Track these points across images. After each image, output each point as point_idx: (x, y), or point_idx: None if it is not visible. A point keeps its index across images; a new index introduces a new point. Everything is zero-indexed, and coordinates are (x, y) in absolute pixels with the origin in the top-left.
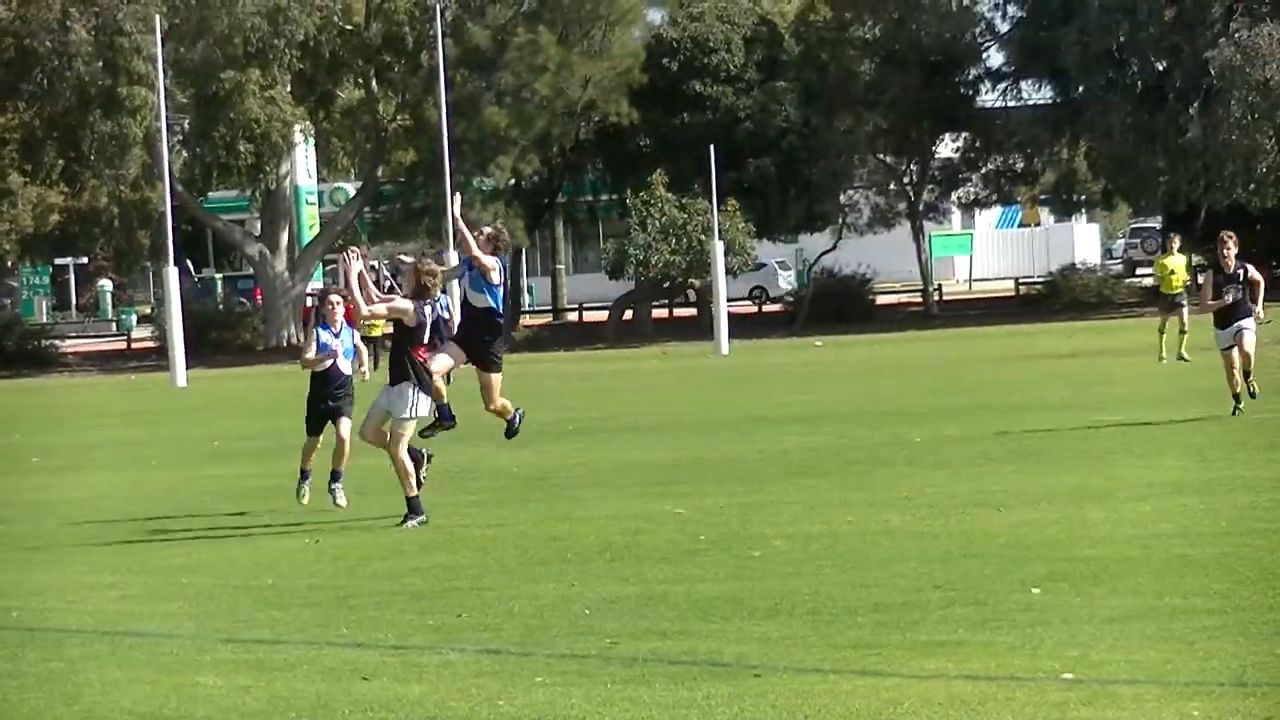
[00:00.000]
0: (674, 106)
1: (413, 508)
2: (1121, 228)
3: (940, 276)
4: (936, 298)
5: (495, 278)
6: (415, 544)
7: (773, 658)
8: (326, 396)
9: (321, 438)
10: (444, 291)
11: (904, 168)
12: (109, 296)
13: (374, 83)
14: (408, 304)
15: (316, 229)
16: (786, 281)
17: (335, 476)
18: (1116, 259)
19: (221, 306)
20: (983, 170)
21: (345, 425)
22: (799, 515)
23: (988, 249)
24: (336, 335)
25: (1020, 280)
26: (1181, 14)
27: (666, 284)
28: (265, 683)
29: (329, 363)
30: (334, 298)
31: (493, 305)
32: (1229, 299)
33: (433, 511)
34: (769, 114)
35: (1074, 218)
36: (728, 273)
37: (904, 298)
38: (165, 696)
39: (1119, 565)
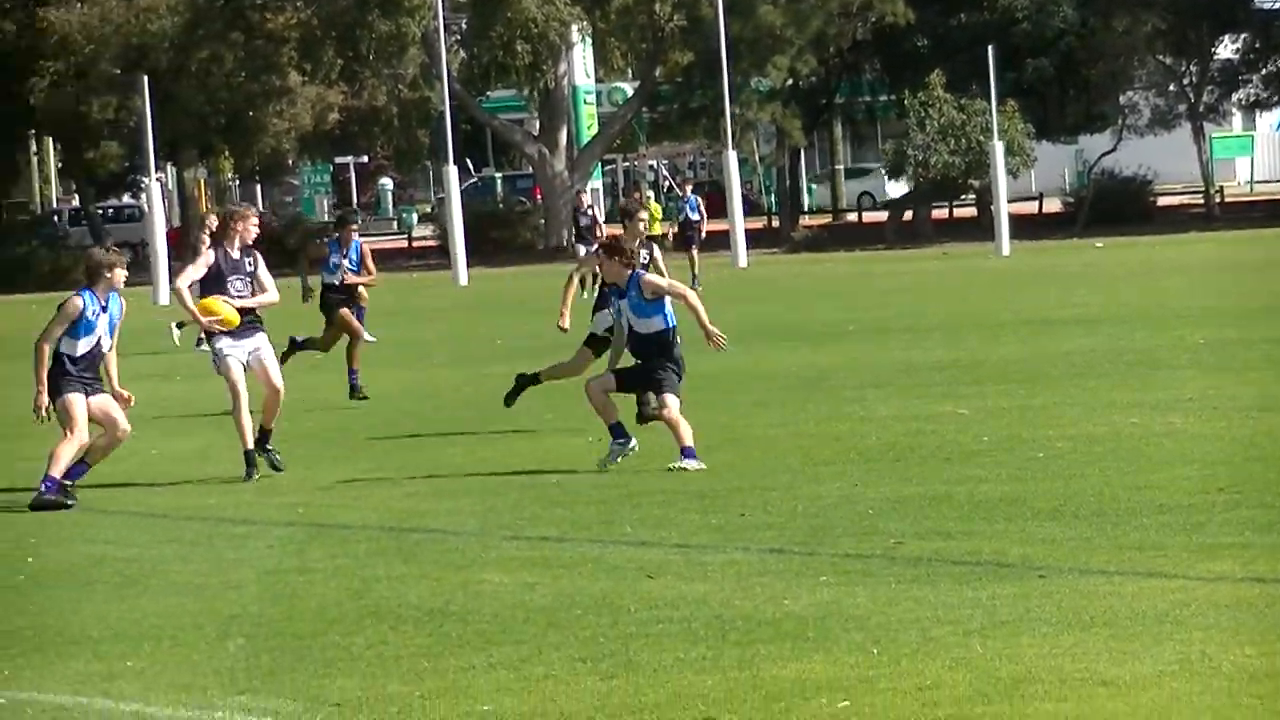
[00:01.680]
0: (951, 6)
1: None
2: None
3: (1221, 178)
4: (1217, 200)
5: None
6: (700, 444)
7: (1057, 559)
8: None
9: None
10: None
11: (1183, 69)
12: (389, 195)
13: None
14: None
15: (595, 129)
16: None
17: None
18: None
19: (501, 205)
20: (1263, 71)
21: None
22: (1081, 416)
23: (1269, 151)
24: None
25: None
26: None
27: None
28: (550, 580)
29: None
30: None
31: None
32: None
33: (715, 412)
34: (1046, 14)
35: None
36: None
37: (1184, 199)
38: (451, 593)
39: None
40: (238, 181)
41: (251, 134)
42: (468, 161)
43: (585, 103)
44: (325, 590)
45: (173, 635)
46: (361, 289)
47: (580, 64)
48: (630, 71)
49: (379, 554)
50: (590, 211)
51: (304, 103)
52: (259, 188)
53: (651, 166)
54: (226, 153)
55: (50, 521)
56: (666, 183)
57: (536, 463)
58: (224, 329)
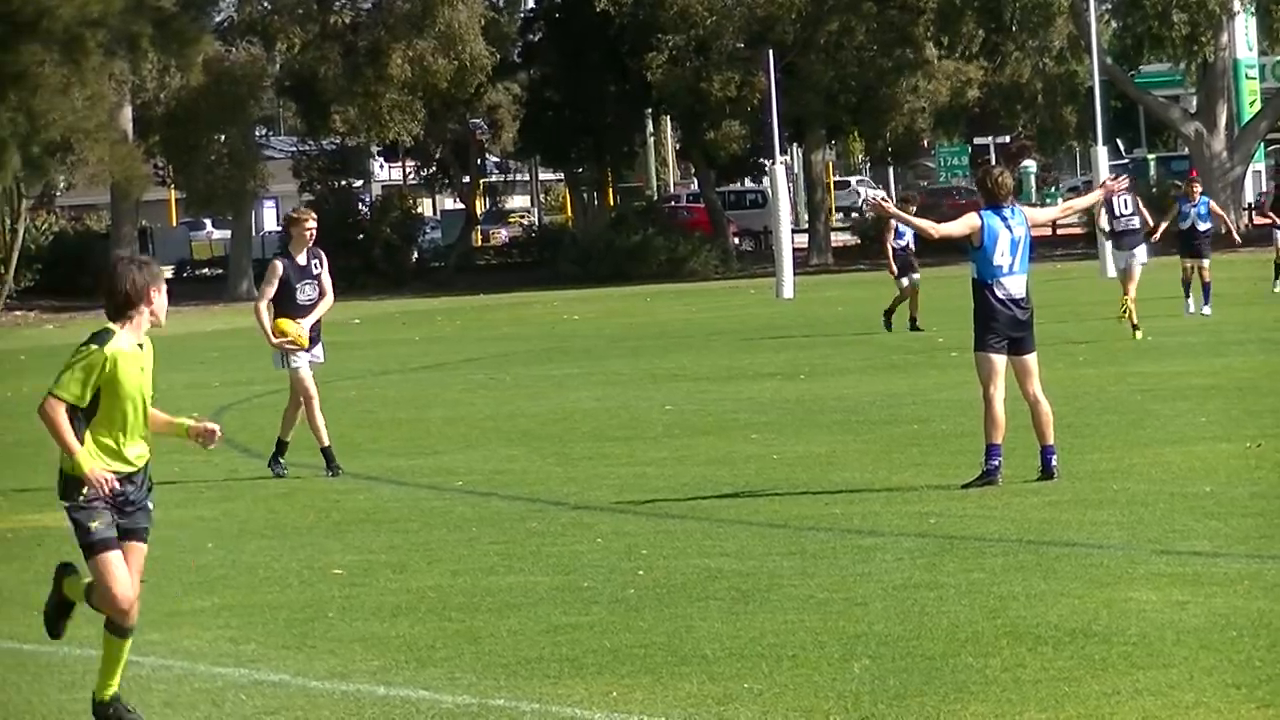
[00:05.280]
0: None
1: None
2: None
3: None
4: None
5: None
6: None
7: None
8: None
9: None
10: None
11: None
12: (1032, 178)
13: None
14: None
15: (1257, 105)
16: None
17: None
18: None
19: (1155, 189)
20: None
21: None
22: None
23: None
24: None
25: None
26: None
27: None
28: (1203, 598)
29: None
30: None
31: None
32: None
33: None
34: None
35: None
36: None
37: None
38: (1094, 611)
39: None
40: (868, 164)
41: (884, 112)
42: (1118, 142)
43: (1247, 77)
44: (957, 608)
45: (793, 655)
46: None
47: (1242, 35)
48: None
49: (1016, 569)
50: None
51: (941, 78)
52: (890, 170)
53: None
54: (856, 133)
55: (662, 533)
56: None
57: (1187, 471)
58: (294, 349)
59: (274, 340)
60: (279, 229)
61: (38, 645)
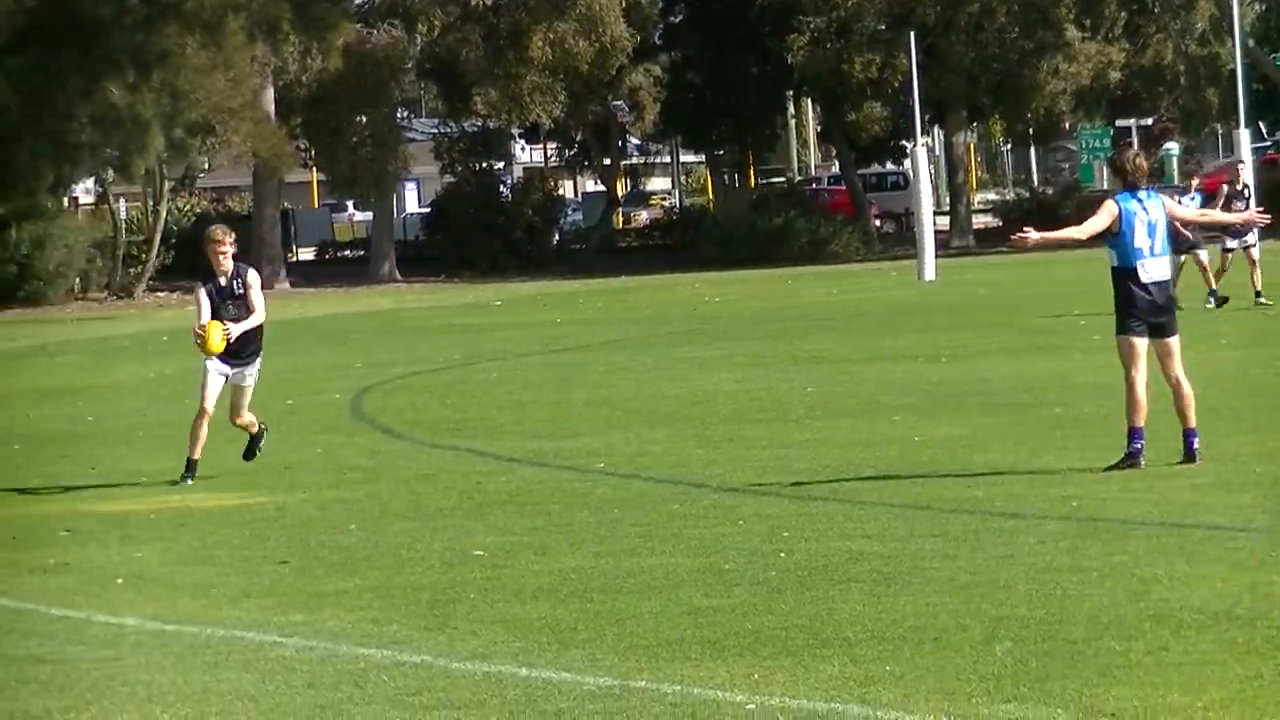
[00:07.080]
0: None
1: None
2: None
3: None
4: None
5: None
6: None
7: None
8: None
9: None
10: None
11: None
12: (1175, 160)
13: None
14: None
15: None
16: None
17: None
18: None
19: None
20: None
21: None
22: None
23: None
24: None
25: None
26: None
27: None
28: None
29: None
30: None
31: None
32: None
33: None
34: None
35: None
36: None
37: None
38: (1238, 595)
39: None
40: (1009, 146)
41: (1025, 94)
42: (1260, 124)
43: None
44: (1100, 591)
45: (935, 638)
46: None
47: None
48: None
49: (1159, 552)
50: None
51: (1083, 59)
52: (1032, 152)
53: None
54: (997, 114)
55: (804, 515)
56: None
57: None
58: (201, 350)
59: (196, 329)
60: (420, 210)
61: (180, 625)
